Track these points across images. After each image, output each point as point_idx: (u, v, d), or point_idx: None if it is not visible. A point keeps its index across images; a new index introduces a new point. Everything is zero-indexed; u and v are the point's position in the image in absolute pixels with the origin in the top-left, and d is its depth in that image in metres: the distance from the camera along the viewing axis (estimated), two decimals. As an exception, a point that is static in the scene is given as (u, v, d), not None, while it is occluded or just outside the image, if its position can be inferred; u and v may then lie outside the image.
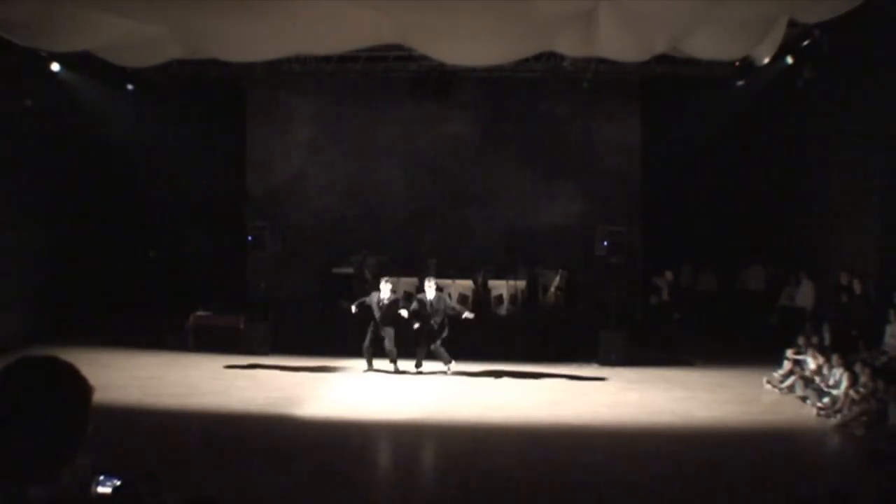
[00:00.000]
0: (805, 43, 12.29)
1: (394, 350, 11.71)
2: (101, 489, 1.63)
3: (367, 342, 11.75)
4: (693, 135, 15.56)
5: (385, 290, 11.86)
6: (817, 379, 10.21)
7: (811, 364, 10.58)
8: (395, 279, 14.67)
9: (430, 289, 11.85)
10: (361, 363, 12.19)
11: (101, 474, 1.66)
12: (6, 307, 12.55)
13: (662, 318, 13.71)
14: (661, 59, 11.64)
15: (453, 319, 11.72)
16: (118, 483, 1.64)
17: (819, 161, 14.15)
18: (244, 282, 16.53)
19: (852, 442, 8.60)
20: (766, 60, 11.65)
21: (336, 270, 15.23)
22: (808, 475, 7.62)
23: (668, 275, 13.66)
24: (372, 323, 11.75)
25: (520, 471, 7.60)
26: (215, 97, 15.98)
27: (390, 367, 11.75)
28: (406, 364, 11.77)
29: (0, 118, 12.62)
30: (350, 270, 14.84)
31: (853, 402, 9.03)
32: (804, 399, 10.08)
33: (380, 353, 11.78)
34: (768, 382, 10.95)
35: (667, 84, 15.08)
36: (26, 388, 1.57)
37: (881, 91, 11.80)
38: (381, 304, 11.72)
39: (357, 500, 6.80)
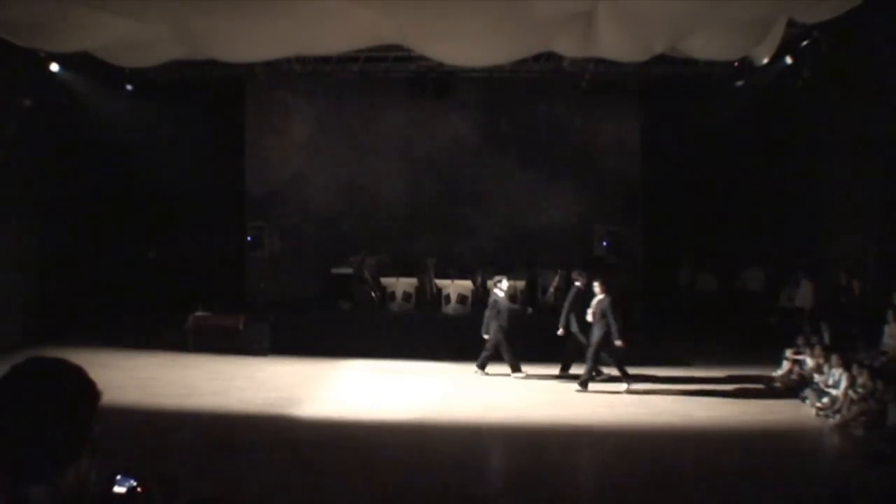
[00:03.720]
0: (804, 43, 12.31)
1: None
2: (117, 489, 1.63)
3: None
4: (692, 135, 15.57)
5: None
6: (816, 377, 10.23)
7: (810, 364, 10.60)
8: (394, 279, 14.72)
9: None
10: (360, 363, 12.20)
11: (117, 474, 1.66)
12: (6, 307, 12.54)
13: None
14: (660, 59, 11.64)
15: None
16: (133, 484, 1.65)
17: (818, 161, 14.16)
18: (243, 282, 16.54)
19: (852, 442, 8.60)
20: (766, 61, 11.66)
21: (335, 271, 15.24)
22: (808, 475, 7.62)
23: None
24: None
25: (520, 470, 7.60)
26: (215, 97, 15.98)
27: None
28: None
29: (0, 118, 12.62)
30: (349, 271, 14.85)
31: (852, 402, 9.03)
32: (804, 399, 10.09)
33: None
34: (768, 382, 10.95)
35: (666, 84, 15.09)
36: (33, 387, 1.57)
37: (880, 91, 11.81)
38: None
39: (356, 500, 6.80)
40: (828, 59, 12.15)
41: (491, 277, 14.75)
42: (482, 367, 11.52)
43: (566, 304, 11.53)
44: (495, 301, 11.50)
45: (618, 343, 10.47)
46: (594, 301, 10.76)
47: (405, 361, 12.22)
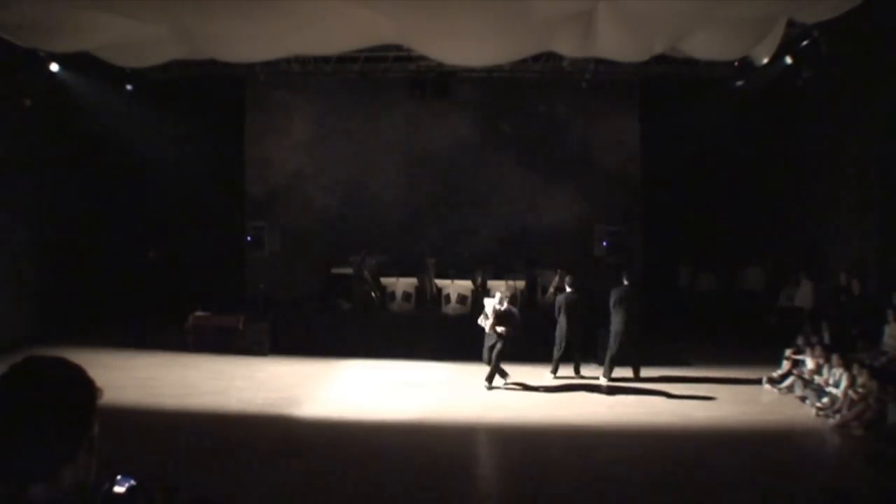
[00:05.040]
0: (804, 43, 12.31)
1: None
2: (116, 489, 1.63)
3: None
4: (692, 135, 15.58)
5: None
6: (816, 378, 10.23)
7: (810, 364, 10.60)
8: (394, 279, 14.72)
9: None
10: (360, 363, 12.20)
11: (118, 474, 1.66)
12: (6, 307, 12.54)
13: None
14: (660, 59, 11.64)
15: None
16: (133, 484, 1.64)
17: (818, 161, 14.16)
18: (243, 282, 16.54)
19: (851, 442, 8.60)
20: (766, 61, 11.66)
21: (335, 270, 15.23)
22: (808, 475, 7.62)
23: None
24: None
25: (519, 471, 7.60)
26: (215, 97, 15.98)
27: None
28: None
29: (0, 118, 12.62)
30: (349, 271, 14.84)
31: (852, 402, 9.04)
32: (803, 399, 10.10)
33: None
34: (767, 382, 10.96)
35: (666, 84, 15.09)
36: (31, 386, 1.57)
37: (879, 91, 11.81)
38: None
39: (356, 500, 6.80)
40: (828, 59, 12.16)
41: (491, 277, 14.78)
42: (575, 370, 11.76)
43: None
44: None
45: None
46: (490, 305, 10.94)
47: (405, 361, 12.22)
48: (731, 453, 8.11)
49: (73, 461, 1.56)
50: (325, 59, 14.62)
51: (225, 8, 8.87)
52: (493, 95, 16.55)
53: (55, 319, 13.53)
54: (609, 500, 6.88)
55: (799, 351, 11.08)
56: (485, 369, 11.63)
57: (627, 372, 11.41)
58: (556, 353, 11.52)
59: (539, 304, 14.71)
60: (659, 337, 12.97)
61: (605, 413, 9.60)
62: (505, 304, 11.00)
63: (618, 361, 11.33)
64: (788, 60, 13.02)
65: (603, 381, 11.19)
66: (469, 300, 14.26)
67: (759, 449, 8.30)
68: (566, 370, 11.59)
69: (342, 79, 15.97)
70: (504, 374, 11.08)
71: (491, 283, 14.63)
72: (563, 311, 11.50)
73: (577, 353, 11.70)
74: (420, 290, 14.85)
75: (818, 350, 10.61)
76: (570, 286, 11.68)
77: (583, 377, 11.53)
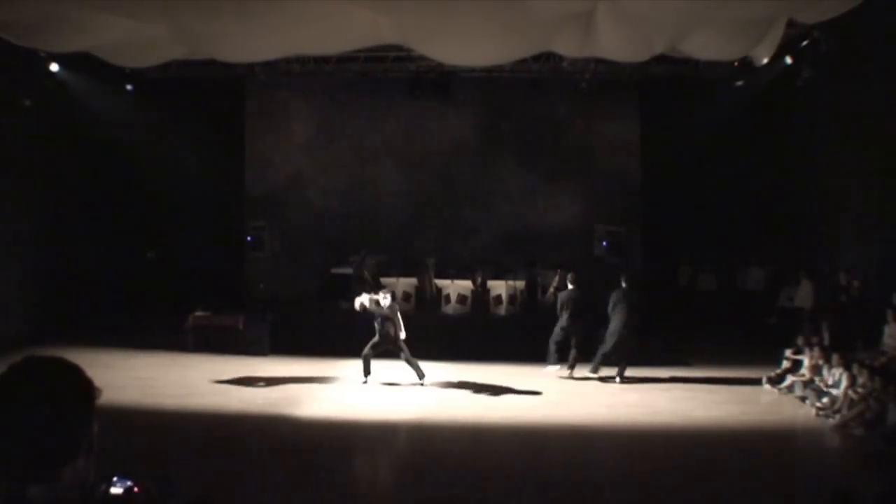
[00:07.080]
0: (804, 43, 12.31)
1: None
2: (113, 490, 1.63)
3: None
4: (692, 135, 15.58)
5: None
6: (816, 378, 10.23)
7: (808, 364, 10.60)
8: (394, 279, 14.73)
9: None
10: (360, 363, 12.19)
11: (114, 475, 1.66)
12: (5, 307, 12.54)
13: None
14: (660, 59, 11.63)
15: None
16: (130, 484, 1.64)
17: (818, 161, 14.16)
18: (243, 282, 16.54)
19: (851, 442, 8.60)
20: (765, 61, 11.64)
21: (335, 270, 15.24)
22: (808, 475, 7.62)
23: None
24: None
25: (519, 471, 7.60)
26: (215, 97, 15.98)
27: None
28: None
29: (0, 118, 12.62)
30: (349, 270, 14.85)
31: (852, 402, 9.04)
32: (803, 399, 10.10)
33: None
34: (767, 382, 10.96)
35: (666, 84, 15.10)
36: (30, 386, 1.57)
37: (879, 91, 11.81)
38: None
39: (356, 501, 6.80)
40: (828, 59, 12.16)
41: (491, 277, 14.77)
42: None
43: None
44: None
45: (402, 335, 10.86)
46: (387, 305, 10.94)
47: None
48: (731, 453, 8.11)
49: (72, 461, 1.56)
50: (325, 59, 14.62)
51: (225, 8, 8.86)
52: (493, 95, 16.55)
53: (55, 319, 13.53)
54: (608, 499, 6.88)
55: (799, 351, 11.08)
56: (485, 369, 11.67)
57: (612, 371, 11.41)
58: (571, 353, 11.50)
59: (539, 304, 14.72)
60: (659, 337, 12.98)
61: (604, 413, 9.60)
62: (388, 302, 10.83)
63: (608, 361, 11.33)
64: (788, 60, 13.01)
65: (616, 380, 11.21)
66: (469, 300, 14.27)
67: (759, 449, 8.29)
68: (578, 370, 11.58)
69: (342, 79, 15.97)
70: (367, 372, 10.91)
71: (491, 283, 14.64)
72: (564, 307, 11.51)
73: (575, 351, 11.65)
74: (420, 290, 14.86)
75: (817, 350, 10.61)
76: (571, 283, 11.72)
77: (580, 377, 11.49)
